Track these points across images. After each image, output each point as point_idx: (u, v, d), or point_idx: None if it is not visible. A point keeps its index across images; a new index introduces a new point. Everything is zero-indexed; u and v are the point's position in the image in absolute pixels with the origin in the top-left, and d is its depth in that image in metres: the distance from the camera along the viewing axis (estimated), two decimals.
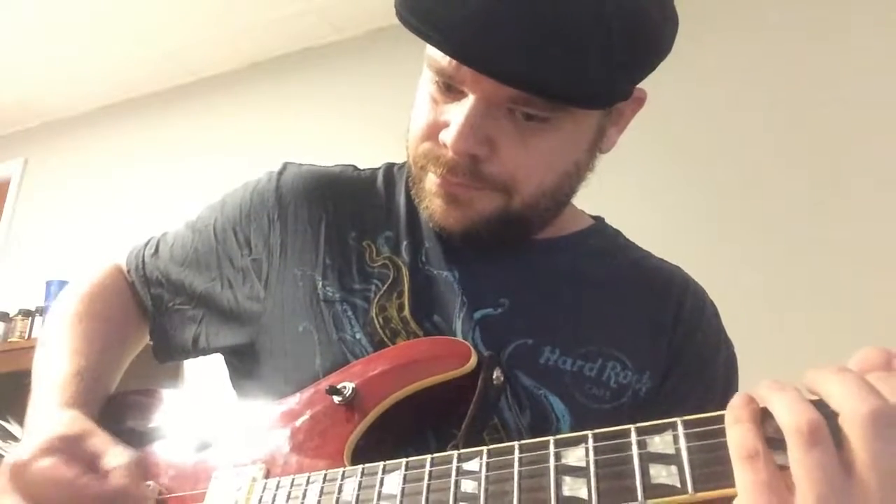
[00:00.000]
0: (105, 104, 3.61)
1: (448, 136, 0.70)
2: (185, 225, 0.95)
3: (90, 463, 0.68)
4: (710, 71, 2.35)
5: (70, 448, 0.69)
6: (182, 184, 3.13)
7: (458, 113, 0.70)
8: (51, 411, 0.75)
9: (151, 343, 0.93)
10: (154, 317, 0.92)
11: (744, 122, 2.29)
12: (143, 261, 0.94)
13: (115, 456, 0.68)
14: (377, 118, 2.82)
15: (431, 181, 0.75)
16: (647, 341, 0.79)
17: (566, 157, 0.75)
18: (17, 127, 3.82)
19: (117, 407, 0.84)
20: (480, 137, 0.70)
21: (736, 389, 0.84)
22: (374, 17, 2.99)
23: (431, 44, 0.68)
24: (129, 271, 0.95)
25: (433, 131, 0.73)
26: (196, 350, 0.90)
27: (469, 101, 0.69)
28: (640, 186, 2.26)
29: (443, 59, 0.69)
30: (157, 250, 0.94)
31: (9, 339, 2.93)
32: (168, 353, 0.92)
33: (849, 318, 1.94)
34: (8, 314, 2.98)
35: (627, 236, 0.92)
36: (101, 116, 3.62)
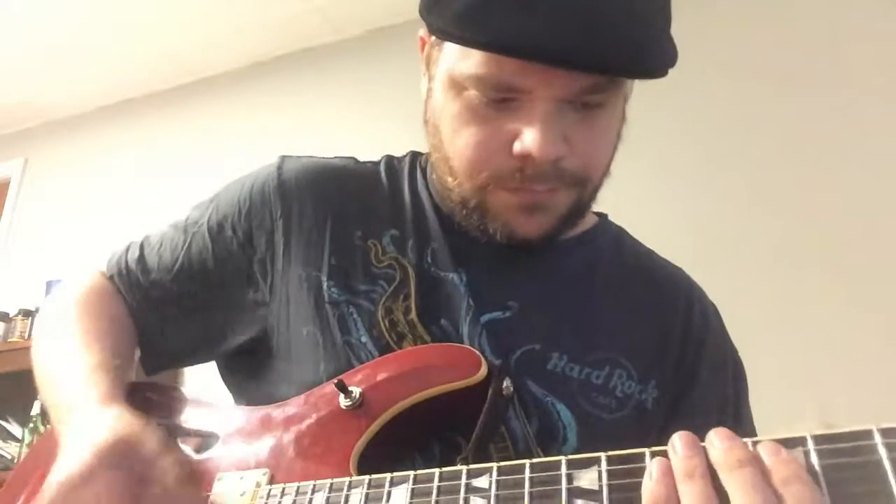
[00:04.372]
0: (105, 104, 3.61)
1: (532, 145, 0.68)
2: (171, 226, 0.90)
3: (146, 472, 0.63)
4: (712, 65, 2.35)
5: (123, 458, 0.63)
6: (182, 184, 3.13)
7: (529, 119, 0.68)
8: (91, 410, 0.69)
9: (139, 353, 0.88)
10: (142, 325, 0.87)
11: (747, 116, 2.29)
12: (127, 267, 0.88)
13: (170, 468, 0.63)
14: (377, 118, 2.82)
15: (504, 198, 0.73)
16: (654, 349, 0.79)
17: (616, 131, 0.76)
18: (17, 127, 3.82)
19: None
20: (560, 136, 0.69)
21: (745, 388, 0.84)
22: (374, 17, 2.99)
23: (534, 59, 0.65)
24: (111, 277, 0.89)
25: (498, 147, 0.70)
26: (193, 357, 0.88)
27: (539, 104, 0.68)
28: (641, 180, 2.26)
29: (499, 72, 0.67)
30: (141, 255, 0.89)
31: (9, 339, 2.94)
32: (159, 362, 0.88)
33: (851, 313, 1.95)
34: (8, 314, 2.99)
35: (629, 231, 0.92)
36: (102, 116, 3.62)
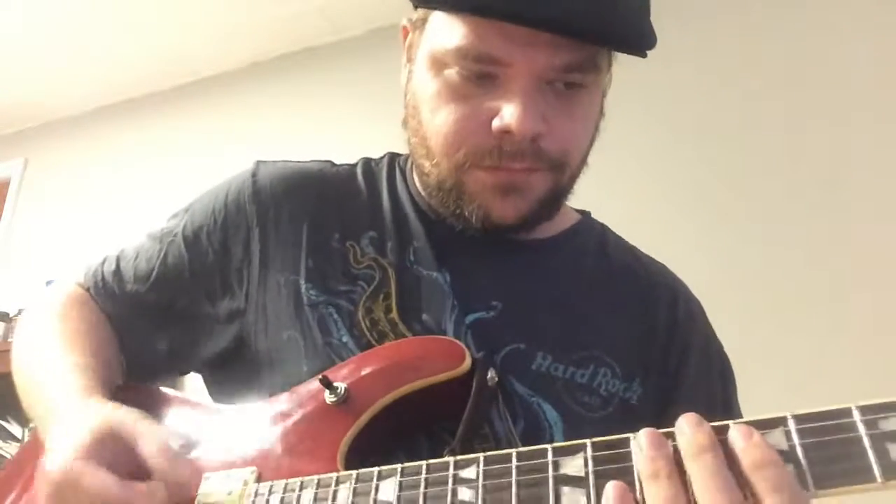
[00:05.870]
0: (105, 104, 3.61)
1: (512, 119, 0.67)
2: (146, 237, 0.90)
3: (133, 462, 0.63)
4: (707, 59, 2.35)
5: (107, 451, 0.63)
6: (182, 184, 3.13)
7: (509, 96, 0.68)
8: (70, 407, 0.69)
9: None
10: (120, 336, 0.87)
11: (740, 110, 2.28)
12: (104, 279, 0.88)
13: (158, 454, 0.63)
14: (377, 118, 2.81)
15: (481, 178, 0.72)
16: (638, 347, 0.78)
17: (595, 119, 0.76)
18: (17, 127, 3.82)
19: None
20: (540, 114, 0.69)
21: (733, 382, 0.84)
22: (374, 16, 2.99)
23: (517, 22, 0.65)
24: (87, 289, 0.89)
25: (477, 125, 0.70)
26: (170, 367, 0.87)
27: (520, 80, 0.68)
28: (628, 177, 2.25)
29: (480, 43, 0.67)
30: (117, 267, 0.89)
31: (9, 339, 2.93)
32: (137, 374, 0.87)
33: (846, 308, 1.95)
34: (8, 314, 2.98)
35: (614, 228, 0.92)
36: (102, 116, 3.62)
